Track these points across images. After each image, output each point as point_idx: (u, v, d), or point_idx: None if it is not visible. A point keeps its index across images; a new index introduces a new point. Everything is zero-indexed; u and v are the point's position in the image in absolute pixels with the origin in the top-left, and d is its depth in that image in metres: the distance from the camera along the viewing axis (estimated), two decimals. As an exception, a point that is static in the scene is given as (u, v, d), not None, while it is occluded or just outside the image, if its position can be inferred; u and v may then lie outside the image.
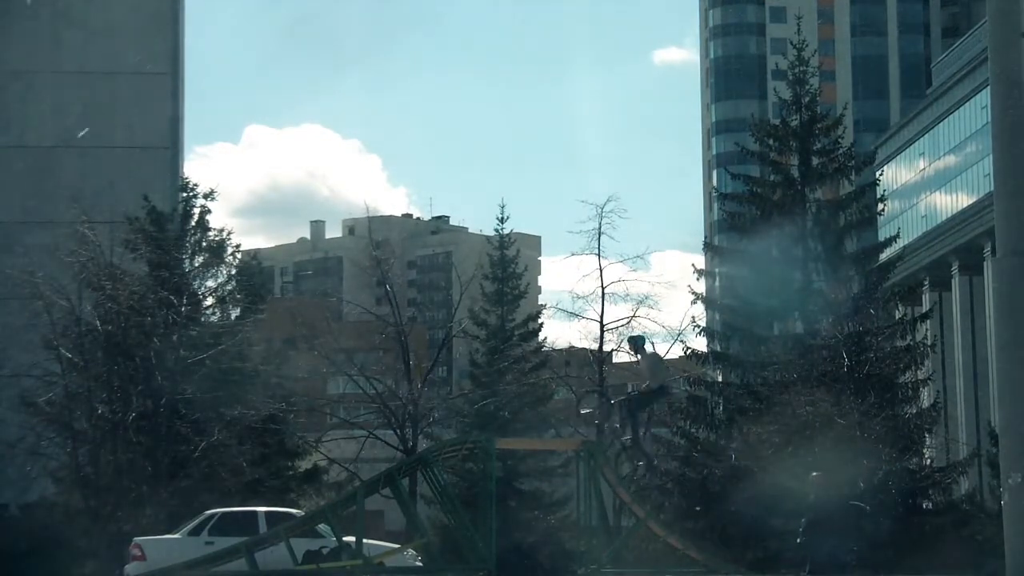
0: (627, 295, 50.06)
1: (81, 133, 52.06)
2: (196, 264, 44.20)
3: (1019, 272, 13.92)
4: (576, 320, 51.70)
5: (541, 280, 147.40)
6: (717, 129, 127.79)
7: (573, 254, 50.31)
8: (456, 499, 32.52)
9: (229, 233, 44.36)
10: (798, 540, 31.13)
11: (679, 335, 49.67)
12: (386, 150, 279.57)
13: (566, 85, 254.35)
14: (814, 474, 32.81)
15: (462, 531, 30.77)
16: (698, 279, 48.98)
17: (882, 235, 54.15)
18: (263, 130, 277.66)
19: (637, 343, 28.19)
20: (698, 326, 49.14)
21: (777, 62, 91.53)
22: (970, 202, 72.97)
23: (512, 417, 50.14)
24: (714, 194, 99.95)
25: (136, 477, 40.00)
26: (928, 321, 51.05)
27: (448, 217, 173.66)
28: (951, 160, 77.39)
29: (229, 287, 44.81)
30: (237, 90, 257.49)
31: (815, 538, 30.70)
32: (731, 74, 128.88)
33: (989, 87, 14.82)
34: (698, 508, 43.46)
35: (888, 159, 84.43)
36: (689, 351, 48.69)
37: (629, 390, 27.99)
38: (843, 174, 48.07)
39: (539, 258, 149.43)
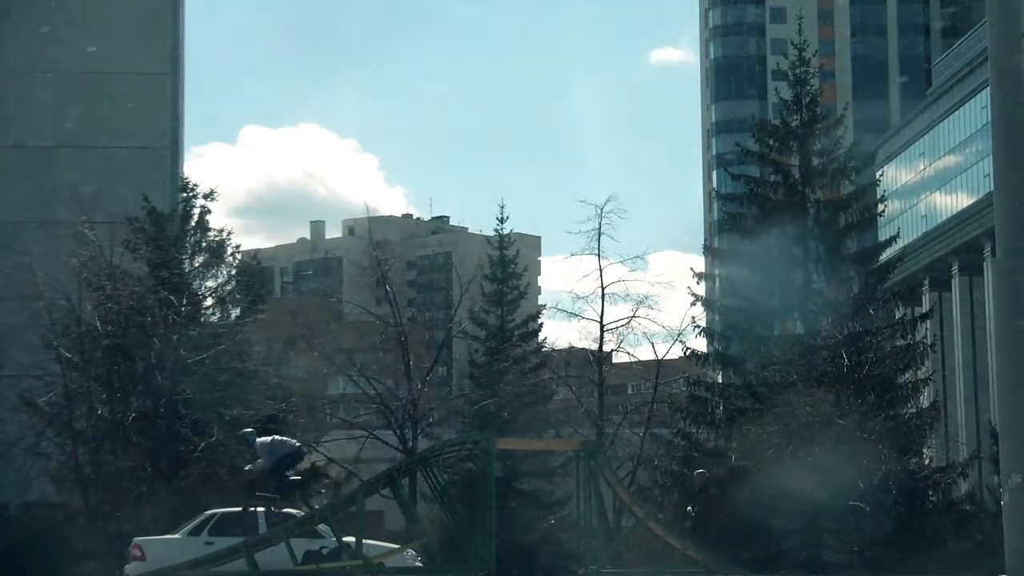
0: (627, 295, 50.16)
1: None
2: (196, 264, 44.12)
3: (1019, 272, 13.92)
4: (576, 320, 51.79)
5: (541, 280, 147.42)
6: (717, 129, 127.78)
7: (573, 254, 50.41)
8: (456, 499, 32.51)
9: (229, 233, 44.28)
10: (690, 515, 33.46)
11: (679, 335, 49.75)
12: (383, 150, 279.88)
13: (565, 85, 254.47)
14: (698, 471, 34.59)
15: (462, 531, 30.77)
16: (698, 283, 49.01)
17: (882, 235, 54.15)
18: (260, 130, 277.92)
19: (247, 440, 30.42)
20: (698, 326, 49.21)
21: (777, 62, 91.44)
22: (970, 202, 72.99)
23: (512, 417, 50.11)
24: (714, 194, 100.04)
25: (136, 477, 39.96)
26: (928, 321, 51.08)
27: (448, 217, 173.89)
28: (951, 160, 77.40)
29: (229, 287, 44.72)
30: (233, 90, 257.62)
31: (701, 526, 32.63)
32: (731, 74, 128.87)
33: (989, 87, 14.83)
34: (690, 508, 43.49)
35: (888, 159, 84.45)
36: (689, 351, 48.72)
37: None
38: (843, 174, 48.07)
39: (539, 258, 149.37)
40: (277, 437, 30.59)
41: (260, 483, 29.88)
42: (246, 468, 30.86)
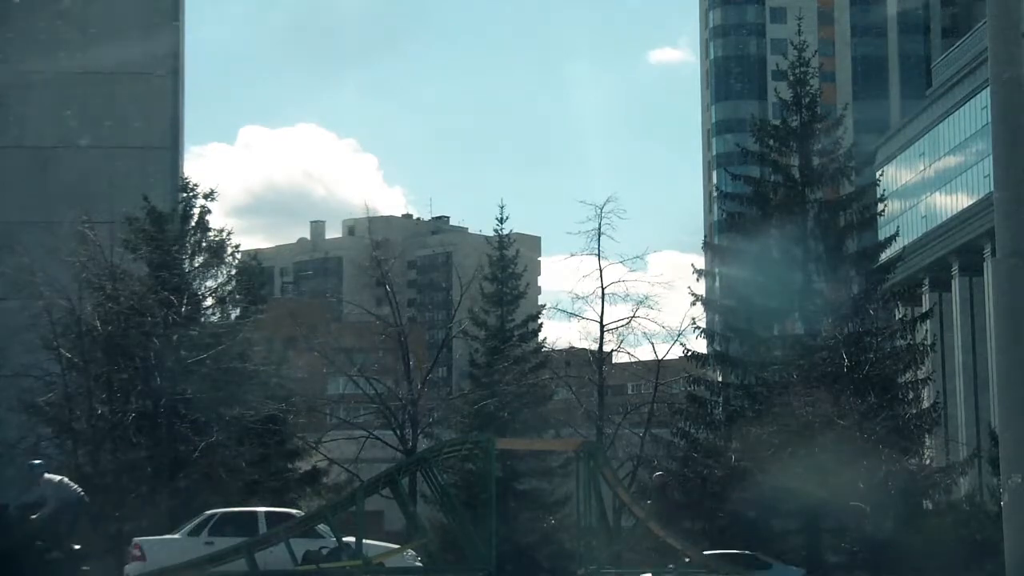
0: (627, 295, 50.20)
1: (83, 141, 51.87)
2: (196, 264, 44.13)
3: (1019, 272, 13.90)
4: (576, 320, 51.85)
5: (541, 280, 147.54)
6: (717, 129, 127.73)
7: (573, 254, 50.53)
8: (456, 499, 32.54)
9: (229, 233, 44.32)
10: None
11: (679, 336, 49.76)
12: (382, 150, 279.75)
13: (564, 85, 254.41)
14: (656, 473, 36.64)
15: (462, 531, 30.79)
16: (698, 280, 49.08)
17: (882, 235, 54.15)
18: (258, 130, 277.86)
19: (32, 469, 25.69)
20: (698, 327, 49.23)
21: (777, 62, 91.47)
22: (970, 202, 72.95)
23: (512, 417, 50.12)
24: (714, 194, 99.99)
25: (136, 477, 39.95)
26: (928, 321, 51.07)
27: (448, 217, 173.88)
28: (951, 160, 77.36)
29: (229, 287, 44.74)
30: (233, 90, 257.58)
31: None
32: (731, 74, 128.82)
33: (989, 87, 14.81)
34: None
35: (888, 159, 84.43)
36: (689, 352, 48.72)
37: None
38: (843, 174, 48.12)
39: (539, 258, 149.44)
40: (66, 480, 25.75)
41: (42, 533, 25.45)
42: (32, 517, 25.50)
